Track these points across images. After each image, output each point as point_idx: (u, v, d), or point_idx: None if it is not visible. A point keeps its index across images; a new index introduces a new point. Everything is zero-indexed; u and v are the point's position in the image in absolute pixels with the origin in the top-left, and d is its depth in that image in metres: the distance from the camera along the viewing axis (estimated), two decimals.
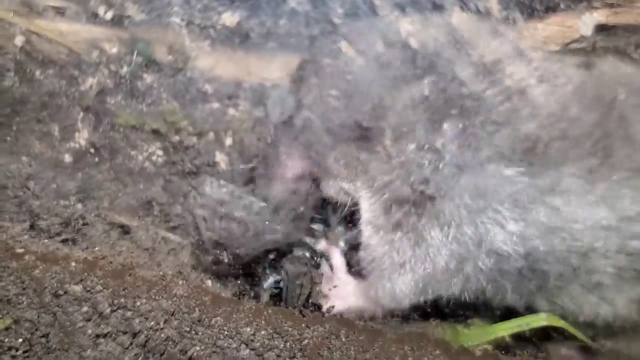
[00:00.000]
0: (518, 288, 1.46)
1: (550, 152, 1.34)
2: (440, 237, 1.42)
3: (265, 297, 1.73)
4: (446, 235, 1.41)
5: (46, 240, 1.61)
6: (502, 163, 1.35)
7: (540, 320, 1.49)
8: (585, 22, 1.46)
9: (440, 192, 1.39)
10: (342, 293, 1.69)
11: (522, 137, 1.35)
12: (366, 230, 1.56)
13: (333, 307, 1.64)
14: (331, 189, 1.62)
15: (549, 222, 1.35)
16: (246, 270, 1.76)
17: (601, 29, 1.51)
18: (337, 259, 1.80)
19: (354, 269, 1.76)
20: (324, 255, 1.82)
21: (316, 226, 1.89)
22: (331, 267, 1.79)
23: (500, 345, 1.56)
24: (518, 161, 1.35)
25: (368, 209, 1.54)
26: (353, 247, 1.80)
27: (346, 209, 1.62)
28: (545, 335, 1.58)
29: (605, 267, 1.37)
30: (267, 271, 1.77)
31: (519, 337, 1.57)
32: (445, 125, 1.37)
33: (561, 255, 1.37)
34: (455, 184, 1.38)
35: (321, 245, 1.84)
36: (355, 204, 1.58)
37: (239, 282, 1.75)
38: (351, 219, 1.72)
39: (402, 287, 1.52)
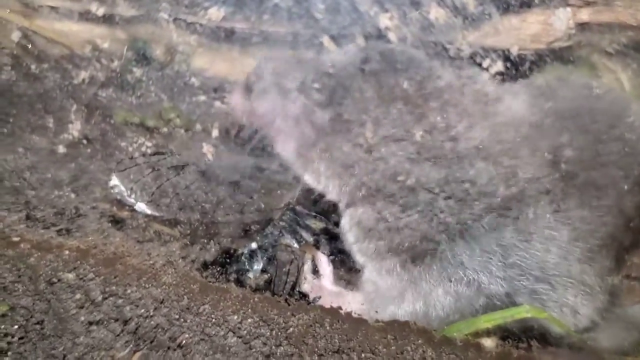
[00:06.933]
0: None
1: None
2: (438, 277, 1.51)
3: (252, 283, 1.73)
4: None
5: (42, 230, 1.64)
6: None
7: (523, 312, 1.50)
8: (559, 17, 1.47)
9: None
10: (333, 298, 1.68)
11: None
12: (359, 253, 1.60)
13: (319, 297, 1.66)
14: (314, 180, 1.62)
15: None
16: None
17: (580, 25, 1.52)
18: (325, 268, 1.76)
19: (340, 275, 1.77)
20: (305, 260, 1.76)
21: (313, 222, 1.84)
22: (316, 272, 1.76)
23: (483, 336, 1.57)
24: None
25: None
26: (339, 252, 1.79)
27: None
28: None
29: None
30: (254, 259, 1.76)
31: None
32: None
33: None
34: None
35: (307, 254, 1.77)
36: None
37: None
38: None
39: (403, 313, 1.58)
